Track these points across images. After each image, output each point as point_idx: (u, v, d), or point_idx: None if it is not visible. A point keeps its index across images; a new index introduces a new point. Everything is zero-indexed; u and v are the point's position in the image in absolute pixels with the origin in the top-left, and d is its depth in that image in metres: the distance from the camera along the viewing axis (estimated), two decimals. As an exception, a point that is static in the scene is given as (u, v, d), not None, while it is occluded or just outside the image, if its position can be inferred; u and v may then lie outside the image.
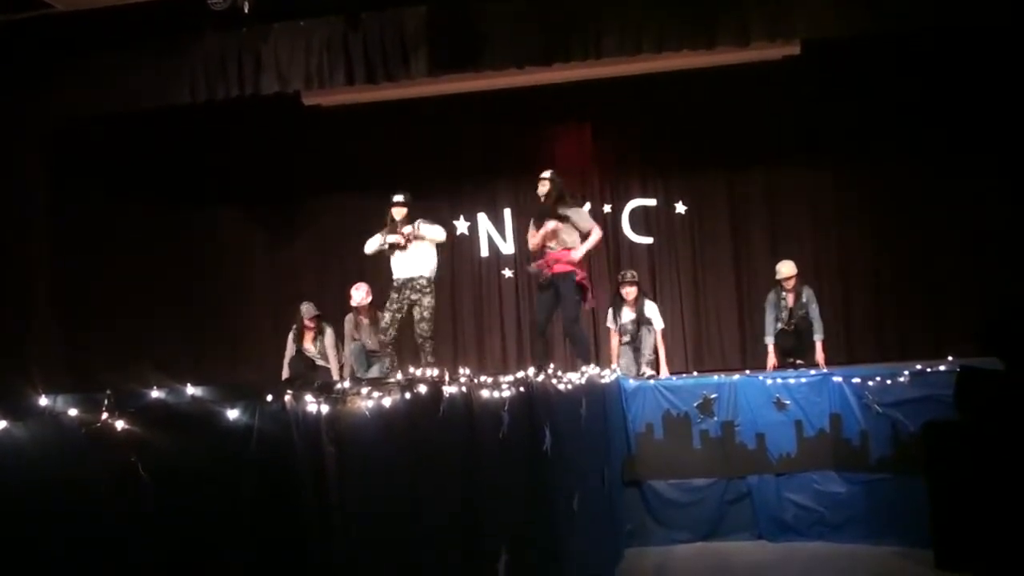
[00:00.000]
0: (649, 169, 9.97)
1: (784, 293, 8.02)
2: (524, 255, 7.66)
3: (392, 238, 7.11)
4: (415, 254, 7.09)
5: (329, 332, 8.35)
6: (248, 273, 10.34)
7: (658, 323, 7.83)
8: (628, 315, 7.81)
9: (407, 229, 7.11)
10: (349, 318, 8.22)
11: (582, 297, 6.88)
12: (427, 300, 7.03)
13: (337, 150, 10.00)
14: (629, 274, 7.99)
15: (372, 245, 7.29)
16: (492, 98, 9.33)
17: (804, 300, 7.98)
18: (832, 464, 6.81)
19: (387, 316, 7.09)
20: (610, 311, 7.94)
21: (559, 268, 6.76)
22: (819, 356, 7.81)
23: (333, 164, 10.08)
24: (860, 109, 9.27)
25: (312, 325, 8.35)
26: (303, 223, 10.40)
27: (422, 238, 7.12)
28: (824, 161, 9.56)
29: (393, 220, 7.20)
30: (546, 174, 6.97)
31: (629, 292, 7.82)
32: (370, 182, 10.02)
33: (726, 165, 9.75)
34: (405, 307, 7.07)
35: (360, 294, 8.04)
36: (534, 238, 6.88)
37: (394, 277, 7.13)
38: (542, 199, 6.91)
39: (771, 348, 8.00)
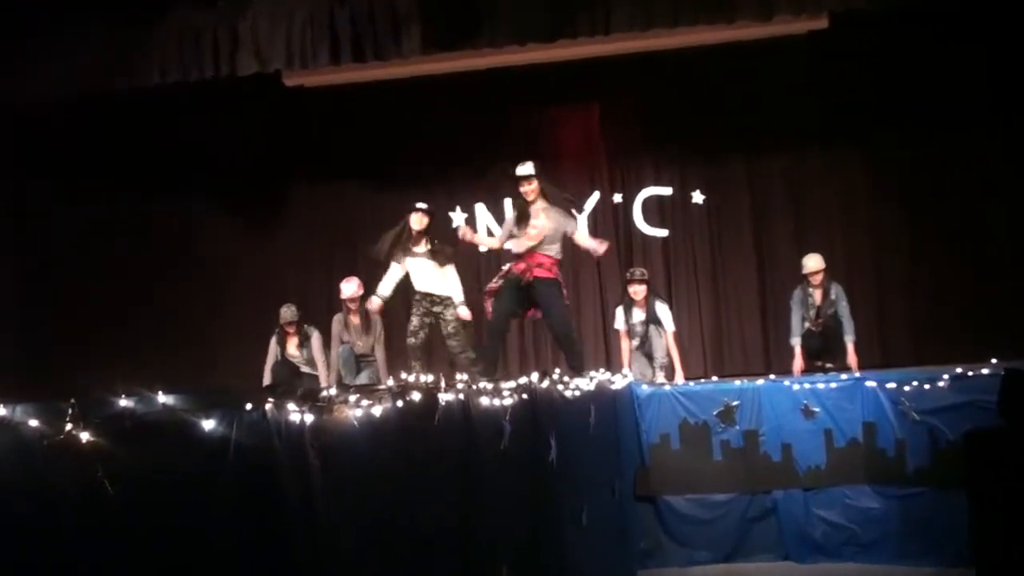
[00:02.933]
0: (663, 155, 9.96)
1: (811, 290, 8.02)
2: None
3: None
4: (439, 271, 7.13)
5: (315, 336, 8.31)
6: (225, 269, 10.32)
7: (668, 325, 7.84)
8: (638, 316, 7.82)
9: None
10: (338, 318, 8.20)
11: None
12: (449, 313, 7.08)
13: (322, 135, 9.99)
14: (638, 272, 8.00)
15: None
16: (492, 78, 9.31)
17: (833, 297, 7.98)
18: (865, 477, 6.81)
19: (414, 320, 7.11)
20: (619, 312, 7.95)
21: (540, 273, 6.62)
22: (850, 358, 7.80)
23: (318, 151, 10.07)
24: (894, 88, 9.24)
25: (293, 331, 8.31)
26: (286, 214, 10.39)
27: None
28: (855, 145, 9.54)
29: (409, 229, 7.16)
30: (528, 170, 6.75)
31: (638, 291, 7.82)
32: (358, 170, 10.04)
33: (748, 150, 9.73)
34: (432, 316, 7.12)
35: (351, 287, 8.02)
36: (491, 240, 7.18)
37: (416, 288, 7.22)
38: (529, 200, 6.74)
39: (797, 350, 8.00)
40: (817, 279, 8.00)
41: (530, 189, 6.73)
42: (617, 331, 8.00)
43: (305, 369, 8.28)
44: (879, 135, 9.44)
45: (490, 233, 10.07)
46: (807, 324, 8.04)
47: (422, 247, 7.20)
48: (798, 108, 9.45)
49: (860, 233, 9.55)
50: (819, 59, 9.14)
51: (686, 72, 9.42)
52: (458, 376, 6.35)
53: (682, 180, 9.91)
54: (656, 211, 9.93)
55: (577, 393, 5.09)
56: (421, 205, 7.25)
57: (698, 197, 9.84)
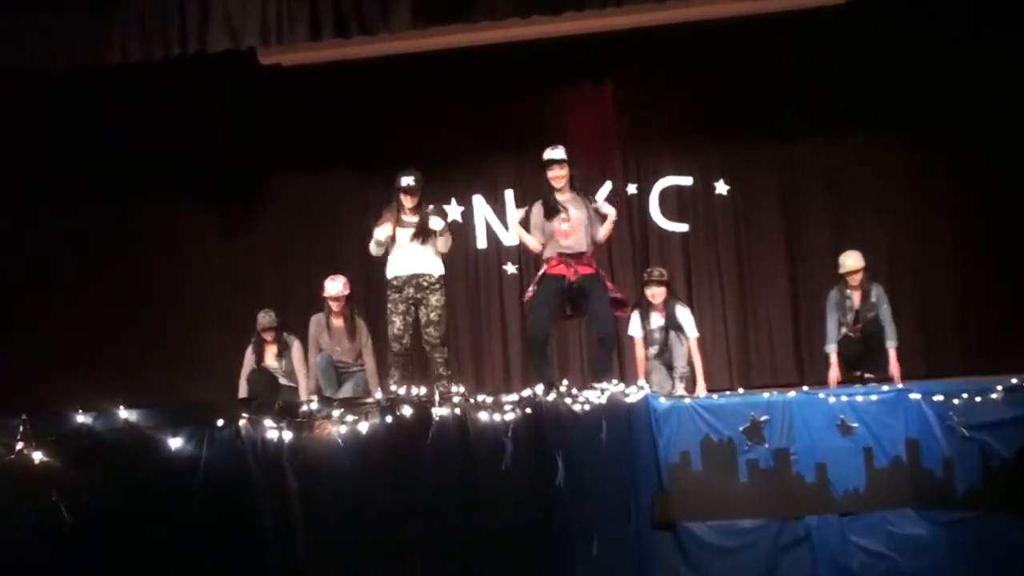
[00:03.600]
0: (683, 140, 9.95)
1: (849, 291, 8.02)
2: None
3: (382, 231, 6.99)
4: (420, 248, 7.04)
5: (296, 346, 8.28)
6: (196, 269, 10.33)
7: (691, 331, 7.85)
8: (656, 321, 7.83)
9: (436, 224, 7.01)
10: (317, 319, 8.16)
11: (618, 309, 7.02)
12: (435, 298, 7.01)
13: (301, 120, 9.99)
14: (656, 272, 8.01)
15: (377, 246, 7.13)
16: (490, 55, 9.31)
17: (874, 300, 7.98)
18: (909, 500, 6.81)
19: (397, 321, 6.99)
20: (635, 316, 7.96)
21: (584, 270, 6.80)
22: (892, 367, 7.81)
23: (297, 137, 10.07)
24: (941, 62, 9.20)
25: (271, 338, 8.30)
26: (262, 208, 10.40)
27: (432, 234, 6.99)
28: (898, 128, 9.50)
29: (401, 208, 7.09)
30: (560, 154, 6.92)
31: (656, 294, 7.83)
32: (342, 158, 10.04)
33: (777, 135, 9.72)
34: (412, 309, 7.05)
35: (337, 285, 7.99)
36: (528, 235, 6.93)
37: (392, 275, 7.06)
38: (557, 187, 6.90)
39: (833, 358, 8.00)
40: (856, 279, 8.00)
41: (561, 175, 6.87)
42: (632, 338, 8.00)
43: (284, 381, 8.27)
44: (924, 117, 9.38)
45: (490, 229, 10.09)
46: (844, 329, 8.04)
47: (410, 225, 7.08)
48: (834, 87, 9.44)
49: (904, 229, 9.53)
50: (857, 31, 9.12)
51: (708, 48, 9.39)
52: (440, 383, 6.40)
53: (704, 168, 9.90)
54: (675, 203, 9.92)
55: (587, 407, 5.09)
56: (406, 182, 7.06)
57: (722, 187, 9.83)
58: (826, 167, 9.72)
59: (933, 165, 9.47)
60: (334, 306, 8.02)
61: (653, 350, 7.86)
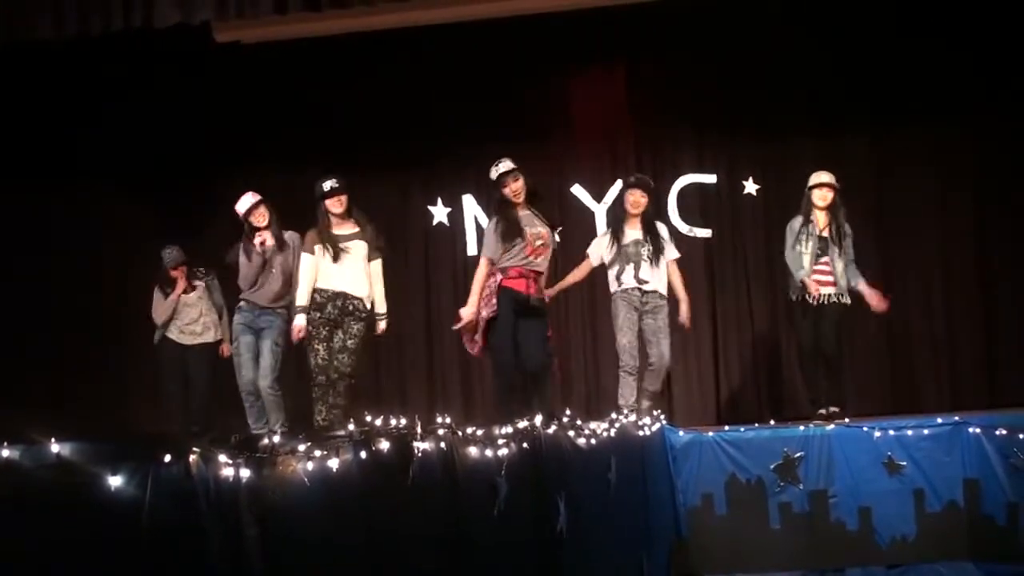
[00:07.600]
0: (707, 131, 9.96)
1: (816, 214, 7.69)
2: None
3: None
4: (357, 266, 7.21)
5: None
6: (140, 275, 10.29)
7: (671, 251, 7.61)
8: (633, 234, 7.51)
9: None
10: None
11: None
12: (357, 327, 7.14)
13: (263, 105, 9.99)
14: (639, 177, 7.87)
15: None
16: (483, 32, 9.32)
17: (848, 230, 7.72)
18: (967, 552, 6.81)
19: (320, 349, 7.12)
20: (600, 238, 7.80)
21: (538, 293, 6.91)
22: (872, 297, 7.66)
23: (257, 127, 10.06)
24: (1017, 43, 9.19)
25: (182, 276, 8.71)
26: (215, 206, 10.35)
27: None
28: (962, 117, 9.49)
29: (327, 217, 7.32)
30: (509, 165, 6.92)
31: (639, 201, 7.53)
32: (309, 151, 10.01)
33: (817, 125, 9.72)
34: (332, 333, 7.18)
35: (248, 201, 7.81)
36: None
37: (320, 286, 7.21)
38: (516, 200, 6.89)
39: (809, 282, 7.60)
40: (826, 197, 7.69)
41: (520, 187, 6.88)
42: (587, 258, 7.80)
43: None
44: (999, 103, 9.32)
45: (481, 233, 10.06)
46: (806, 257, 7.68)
47: (346, 230, 7.32)
48: (888, 69, 9.40)
49: (965, 232, 9.49)
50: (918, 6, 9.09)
51: (738, 22, 9.39)
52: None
53: (731, 164, 9.91)
54: (697, 204, 9.92)
55: (593, 442, 5.09)
56: (329, 185, 7.29)
57: (751, 187, 9.84)
58: (875, 163, 9.70)
59: (1004, 160, 9.37)
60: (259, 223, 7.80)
61: (629, 271, 7.47)
